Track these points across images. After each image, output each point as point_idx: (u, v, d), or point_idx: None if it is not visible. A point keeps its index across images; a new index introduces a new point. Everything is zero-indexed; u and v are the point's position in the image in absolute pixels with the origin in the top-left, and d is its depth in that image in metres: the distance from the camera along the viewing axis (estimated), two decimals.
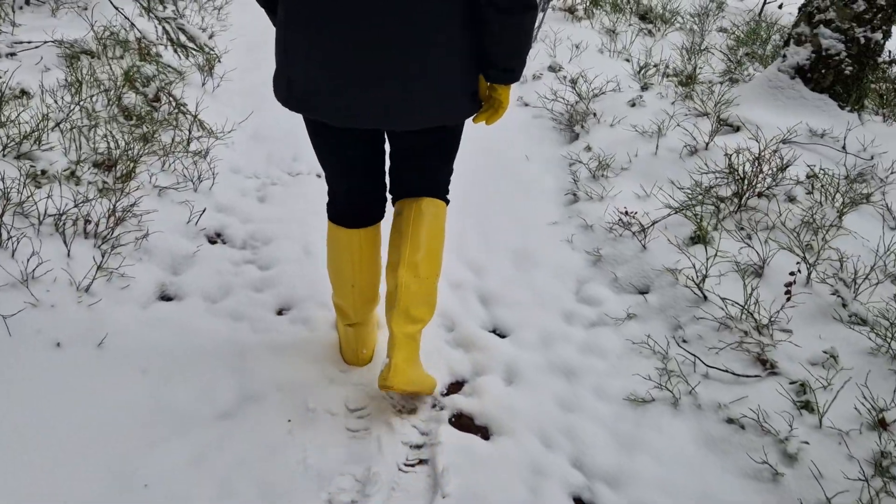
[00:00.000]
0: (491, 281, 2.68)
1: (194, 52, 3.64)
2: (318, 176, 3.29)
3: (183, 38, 3.60)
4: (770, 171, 2.72)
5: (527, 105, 4.02)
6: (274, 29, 1.78)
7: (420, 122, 1.72)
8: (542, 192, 3.26)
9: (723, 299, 2.29)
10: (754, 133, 3.11)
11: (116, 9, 3.49)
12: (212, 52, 3.71)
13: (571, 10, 5.24)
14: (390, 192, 2.03)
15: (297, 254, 2.72)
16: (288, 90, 1.69)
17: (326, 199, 2.05)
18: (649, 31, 5.11)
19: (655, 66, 4.25)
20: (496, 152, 3.58)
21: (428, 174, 1.96)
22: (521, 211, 3.12)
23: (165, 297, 2.41)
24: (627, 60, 4.55)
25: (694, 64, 4.29)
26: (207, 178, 2.96)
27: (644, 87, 3.89)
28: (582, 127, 3.58)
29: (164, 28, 3.52)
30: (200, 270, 2.55)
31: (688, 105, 3.59)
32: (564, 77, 4.14)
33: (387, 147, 1.97)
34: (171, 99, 3.25)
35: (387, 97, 1.62)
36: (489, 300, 2.59)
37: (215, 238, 2.77)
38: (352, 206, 1.98)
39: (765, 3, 6.70)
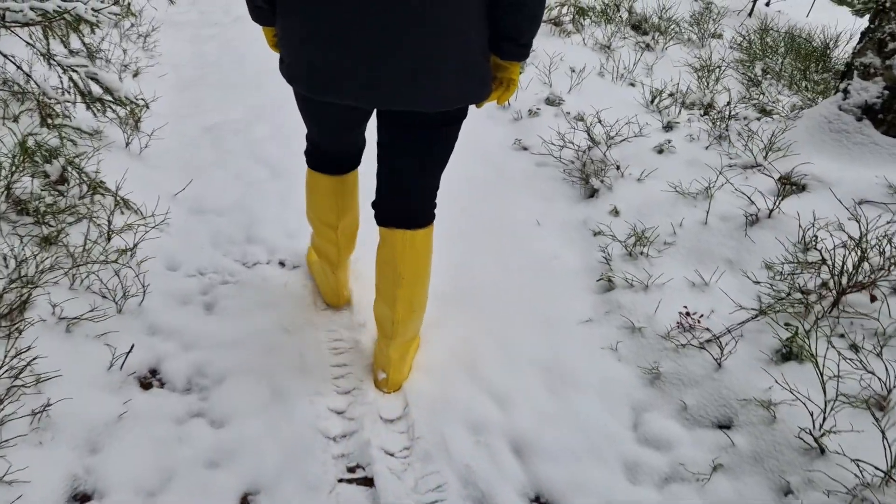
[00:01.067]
0: (521, 417, 2.03)
1: (113, 106, 2.87)
2: (282, 264, 2.58)
3: (97, 88, 2.83)
4: (877, 261, 2.11)
5: (526, 149, 3.36)
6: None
7: (445, 102, 1.63)
8: (565, 273, 2.60)
9: (854, 461, 1.67)
10: (826, 192, 2.51)
11: (5, 56, 2.69)
12: (136, 103, 2.94)
13: (557, 23, 4.59)
14: (378, 194, 1.92)
15: (262, 398, 2.02)
16: (308, 78, 1.63)
17: (305, 146, 2.08)
18: (647, 45, 4.50)
19: (671, 94, 3.63)
20: (500, 214, 2.92)
21: (419, 181, 1.88)
22: (542, 302, 2.46)
23: (80, 498, 1.70)
24: (633, 85, 3.93)
25: (711, 90, 3.68)
26: (135, 293, 2.23)
27: (668, 127, 3.27)
28: (602, 181, 2.93)
29: (70, 78, 2.74)
30: (129, 442, 1.84)
31: (729, 151, 2.97)
32: (568, 113, 3.49)
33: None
34: (82, 178, 2.49)
35: (416, 77, 1.55)
36: (524, 449, 1.95)
37: (149, 379, 2.06)
38: (334, 157, 2.03)
39: (755, 3, 6.18)
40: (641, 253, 2.54)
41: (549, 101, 3.62)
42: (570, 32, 4.52)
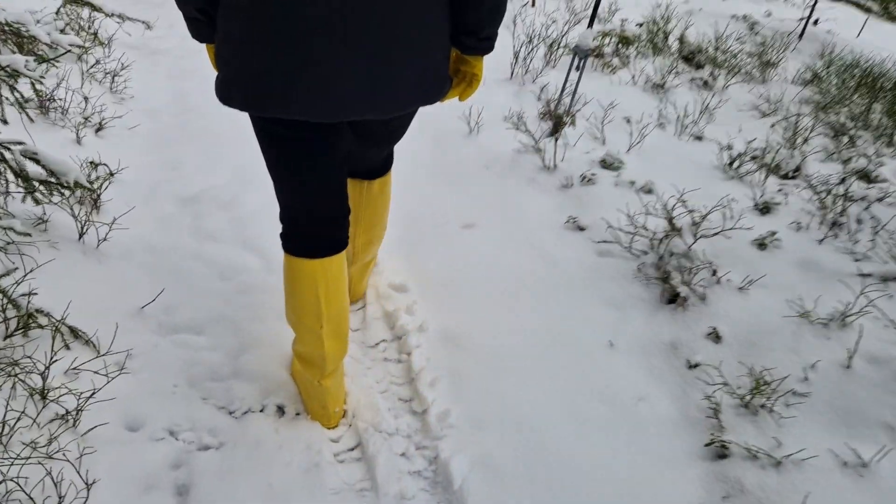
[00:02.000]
0: None
1: (62, 190, 2.20)
2: (281, 411, 1.94)
3: (39, 170, 2.15)
4: None
5: (582, 230, 2.71)
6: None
7: (404, 104, 1.49)
8: (658, 425, 1.96)
9: None
10: None
11: None
12: (90, 188, 2.27)
13: (599, 55, 3.93)
14: None
15: None
16: (245, 88, 1.42)
17: (280, 229, 1.74)
18: (704, 83, 3.85)
19: (753, 157, 2.98)
20: (556, 327, 2.28)
21: (379, 156, 1.93)
22: (635, 476, 1.83)
23: None
24: (699, 139, 3.29)
25: (800, 150, 3.04)
26: (78, 497, 1.57)
27: (764, 209, 2.63)
28: (690, 287, 2.29)
29: (2, 159, 2.06)
30: None
31: (853, 249, 2.33)
32: (632, 183, 2.84)
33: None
34: (8, 308, 1.82)
35: (373, 80, 1.39)
36: None
37: None
38: (318, 231, 1.71)
39: (806, 24, 5.54)
40: (763, 406, 1.91)
41: (606, 164, 2.97)
42: (616, 68, 3.87)
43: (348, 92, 1.39)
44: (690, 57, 4.13)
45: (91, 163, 2.63)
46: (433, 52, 1.48)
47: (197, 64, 3.84)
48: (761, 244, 2.40)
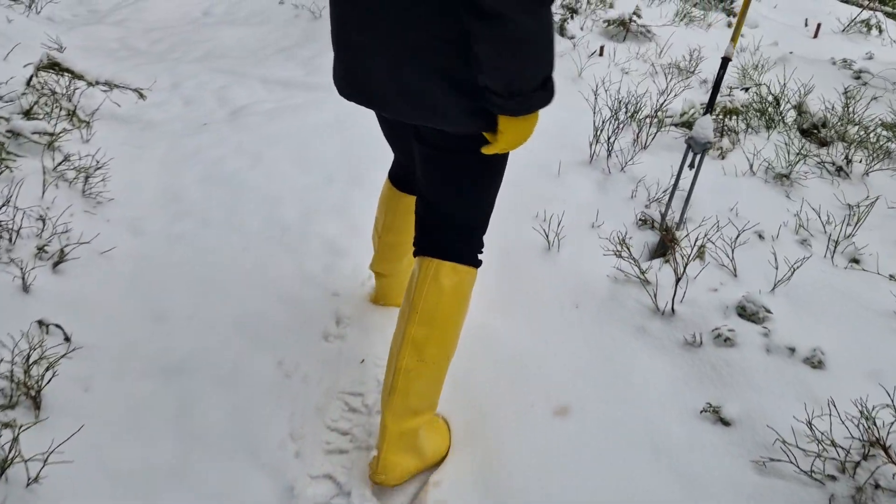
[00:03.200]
0: None
1: None
2: None
3: None
4: None
5: (728, 425, 1.89)
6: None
7: (406, 112, 1.43)
8: None
9: None
10: None
11: None
12: (28, 387, 1.51)
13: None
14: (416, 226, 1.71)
15: None
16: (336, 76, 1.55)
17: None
18: (838, 169, 3.02)
19: None
20: None
21: (450, 205, 1.64)
22: None
23: None
24: (856, 262, 2.46)
25: None
26: None
27: None
28: None
29: None
30: None
31: None
32: (792, 351, 2.02)
33: None
34: None
35: (378, 75, 1.40)
36: None
37: None
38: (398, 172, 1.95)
39: None
40: None
41: (746, 314, 2.16)
42: (725, 151, 3.05)
43: (376, 85, 1.44)
44: (812, 131, 3.30)
45: (40, 323, 1.89)
46: (438, 71, 1.34)
47: (198, 144, 3.10)
48: None
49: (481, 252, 1.72)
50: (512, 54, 1.19)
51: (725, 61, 2.45)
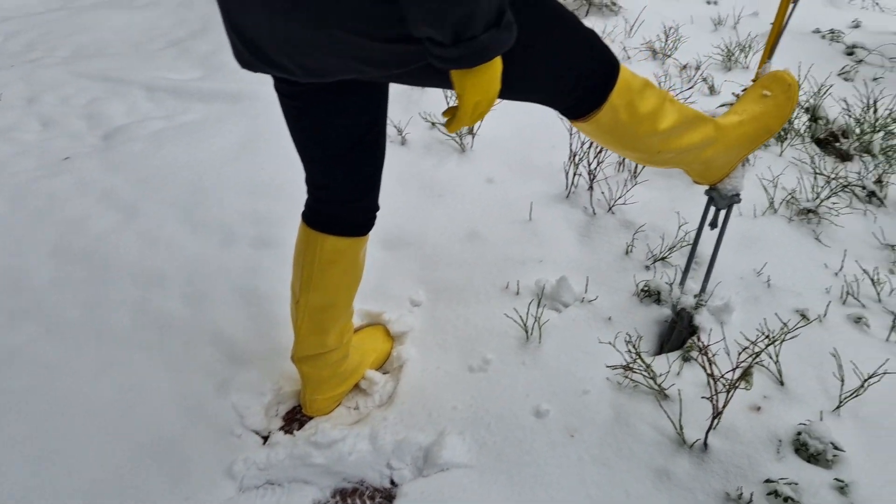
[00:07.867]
0: None
1: None
2: None
3: None
4: None
5: None
6: None
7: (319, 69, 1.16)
8: None
9: None
10: None
11: None
12: None
13: None
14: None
15: None
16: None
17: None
18: (870, 195, 2.45)
19: None
20: None
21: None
22: None
23: None
24: None
25: None
26: None
27: None
28: None
29: None
30: None
31: None
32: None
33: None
34: None
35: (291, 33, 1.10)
36: None
37: None
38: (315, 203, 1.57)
39: None
40: None
41: (809, 454, 1.56)
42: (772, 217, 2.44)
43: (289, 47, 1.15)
44: (829, 140, 2.71)
45: None
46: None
47: (57, 190, 2.33)
48: None
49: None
50: None
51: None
